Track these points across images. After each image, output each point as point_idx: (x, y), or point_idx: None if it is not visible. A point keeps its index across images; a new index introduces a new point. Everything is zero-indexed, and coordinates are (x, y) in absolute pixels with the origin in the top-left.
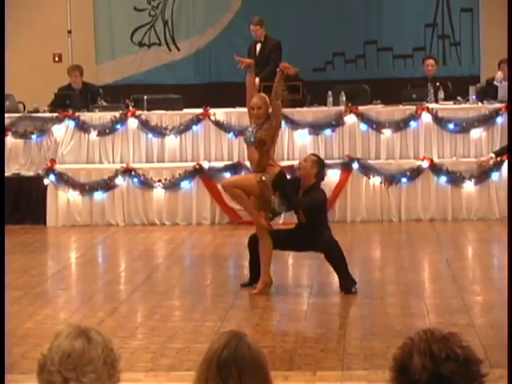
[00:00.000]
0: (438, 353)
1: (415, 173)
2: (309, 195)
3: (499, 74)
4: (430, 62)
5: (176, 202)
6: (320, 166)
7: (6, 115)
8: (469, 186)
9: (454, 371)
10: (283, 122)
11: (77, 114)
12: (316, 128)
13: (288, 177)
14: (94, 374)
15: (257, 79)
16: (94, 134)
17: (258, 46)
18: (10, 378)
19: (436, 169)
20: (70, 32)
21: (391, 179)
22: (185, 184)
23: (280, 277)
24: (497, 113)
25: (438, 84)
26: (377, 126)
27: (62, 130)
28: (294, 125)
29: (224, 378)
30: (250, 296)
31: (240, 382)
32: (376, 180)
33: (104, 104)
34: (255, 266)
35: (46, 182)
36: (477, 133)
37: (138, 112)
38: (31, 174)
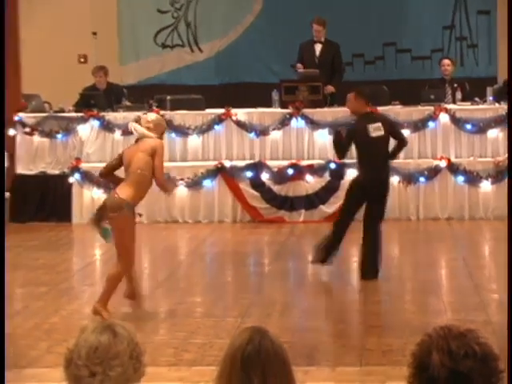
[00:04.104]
0: (456, 350)
1: (433, 172)
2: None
3: None
4: (446, 61)
5: (198, 200)
6: (364, 96)
7: (32, 115)
8: (486, 186)
9: (473, 368)
10: (303, 122)
11: (101, 113)
12: (336, 128)
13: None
14: (121, 368)
15: (331, 87)
16: (118, 134)
17: (318, 47)
18: (35, 371)
19: (453, 168)
20: (94, 34)
21: (409, 178)
22: (207, 183)
23: (300, 274)
24: None
25: (455, 85)
26: None
27: (87, 130)
28: (315, 125)
29: (248, 373)
30: (271, 292)
31: (263, 377)
32: (395, 179)
33: (128, 104)
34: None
35: (71, 180)
36: (494, 133)
37: (162, 112)
38: (57, 172)
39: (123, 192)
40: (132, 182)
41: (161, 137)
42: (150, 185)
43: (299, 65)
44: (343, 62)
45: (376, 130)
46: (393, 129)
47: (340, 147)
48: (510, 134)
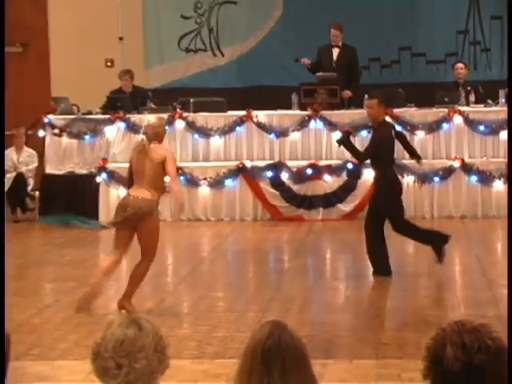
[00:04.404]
0: (469, 344)
1: (447, 172)
2: (370, 141)
3: None
4: (460, 65)
5: (220, 199)
6: (384, 102)
7: (61, 117)
8: (498, 185)
9: (486, 361)
10: (322, 124)
11: (127, 115)
12: (353, 129)
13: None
14: (146, 361)
15: (348, 92)
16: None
17: (335, 51)
18: (65, 363)
19: (467, 168)
20: (121, 39)
21: (424, 178)
22: (228, 182)
23: (319, 270)
24: None
25: (469, 88)
26: (411, 127)
27: (114, 131)
28: (332, 126)
29: (268, 366)
30: (290, 288)
31: (283, 369)
32: (410, 179)
33: (153, 106)
34: (376, 253)
35: (98, 179)
36: (506, 134)
37: (185, 114)
38: (84, 172)
39: (147, 195)
40: (150, 185)
41: (163, 137)
42: (164, 189)
43: (305, 59)
44: (360, 66)
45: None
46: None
47: (366, 153)
48: (510, 135)
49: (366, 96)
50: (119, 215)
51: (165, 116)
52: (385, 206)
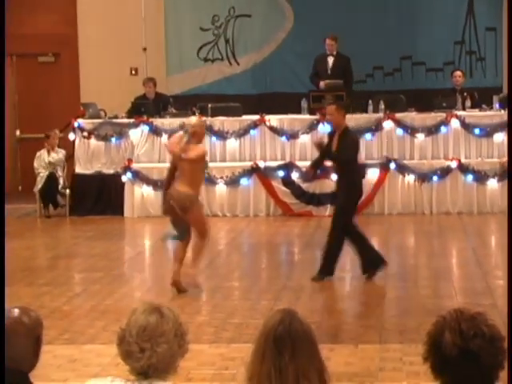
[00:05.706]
0: (466, 330)
1: (445, 172)
2: (345, 146)
3: None
4: (458, 73)
5: (236, 197)
6: (343, 108)
7: (90, 121)
8: (492, 184)
9: (481, 347)
10: (329, 127)
11: (150, 119)
12: (358, 132)
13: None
14: (167, 345)
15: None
16: (165, 137)
17: (330, 59)
18: (93, 347)
19: (463, 168)
20: (144, 49)
21: (424, 177)
22: (243, 181)
23: None
24: None
25: (465, 94)
26: (411, 130)
27: (138, 134)
28: None
29: (280, 350)
30: (300, 278)
31: (293, 353)
32: (410, 178)
33: (174, 111)
34: (364, 252)
35: (123, 178)
36: (499, 137)
37: (204, 118)
38: (111, 171)
39: (187, 190)
40: (189, 181)
41: (201, 137)
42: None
43: (322, 83)
44: (353, 74)
45: None
46: None
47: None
48: (510, 135)
49: (370, 101)
50: (164, 207)
51: (185, 120)
52: (345, 203)
